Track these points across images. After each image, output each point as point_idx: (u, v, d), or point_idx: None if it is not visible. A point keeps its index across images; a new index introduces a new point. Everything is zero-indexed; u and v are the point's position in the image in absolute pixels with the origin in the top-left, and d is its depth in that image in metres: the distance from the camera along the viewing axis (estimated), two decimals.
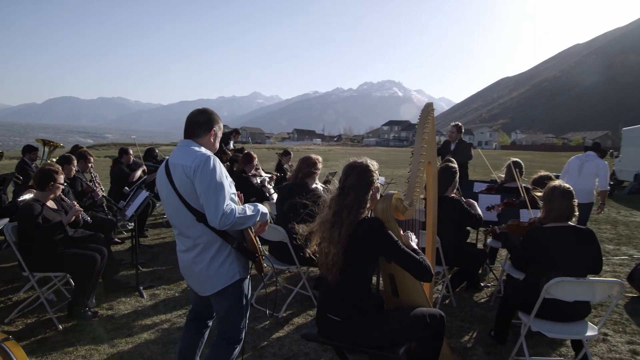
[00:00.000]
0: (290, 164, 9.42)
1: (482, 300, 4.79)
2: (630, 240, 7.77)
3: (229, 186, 2.43)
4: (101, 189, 6.31)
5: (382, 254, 2.55)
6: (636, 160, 16.36)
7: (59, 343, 3.57)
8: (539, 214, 3.75)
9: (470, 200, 4.75)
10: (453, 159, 5.10)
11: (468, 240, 5.01)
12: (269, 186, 7.11)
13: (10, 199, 6.19)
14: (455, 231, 4.48)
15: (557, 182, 3.33)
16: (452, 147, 7.61)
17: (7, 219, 3.26)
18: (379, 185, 2.64)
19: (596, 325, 3.14)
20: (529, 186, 4.81)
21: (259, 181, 6.88)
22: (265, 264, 2.66)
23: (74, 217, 4.14)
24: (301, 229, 2.72)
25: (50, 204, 4.13)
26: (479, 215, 4.50)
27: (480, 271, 5.37)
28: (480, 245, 6.01)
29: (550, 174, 4.78)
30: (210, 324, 2.92)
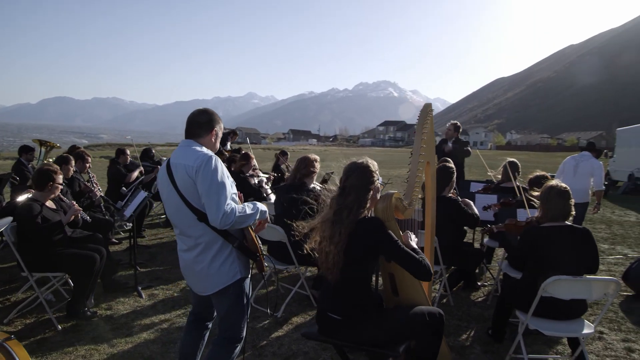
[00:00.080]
0: (287, 164, 9.43)
1: (479, 300, 4.82)
2: (624, 240, 7.84)
3: (230, 186, 2.46)
4: (99, 189, 6.31)
5: (382, 253, 2.58)
6: (630, 161, 16.49)
7: (58, 343, 3.58)
8: (536, 213, 3.78)
9: (467, 200, 4.78)
10: (449, 159, 5.14)
11: (465, 240, 5.04)
12: (266, 187, 7.12)
13: (6, 200, 6.18)
14: (452, 231, 4.52)
15: (554, 182, 3.37)
16: (449, 145, 7.60)
17: (10, 218, 3.26)
18: (379, 185, 2.67)
19: (592, 323, 3.18)
20: (526, 186, 4.85)
21: (256, 181, 6.89)
22: (266, 263, 2.68)
23: (73, 216, 4.14)
24: (301, 225, 2.74)
25: (49, 204, 4.14)
26: (476, 215, 4.54)
27: (477, 270, 5.41)
28: (477, 245, 6.04)
29: (547, 174, 4.82)
30: (210, 325, 2.94)
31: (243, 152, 7.88)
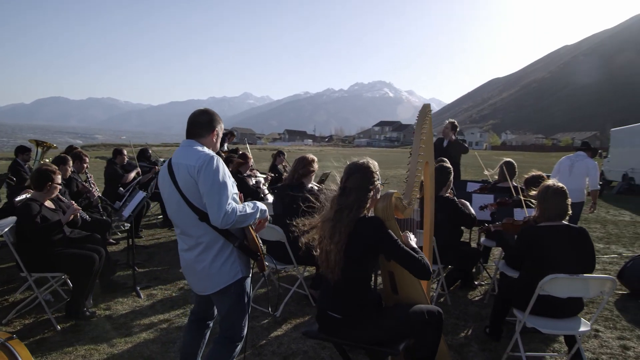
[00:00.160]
0: (284, 164, 9.44)
1: (477, 299, 4.86)
2: (619, 239, 7.91)
3: (232, 186, 2.48)
4: (96, 189, 6.30)
5: (382, 252, 2.60)
6: (624, 161, 16.60)
7: (58, 343, 3.58)
8: (533, 212, 3.82)
9: (462, 200, 4.82)
10: (446, 159, 5.17)
11: (461, 240, 5.08)
12: (263, 187, 7.13)
13: (3, 201, 6.17)
14: (449, 230, 4.55)
15: (550, 182, 3.40)
16: (445, 143, 7.60)
17: (15, 217, 3.26)
18: (380, 186, 2.69)
19: (588, 321, 3.22)
20: (522, 186, 4.89)
21: (254, 182, 6.90)
22: (266, 263, 2.70)
23: (72, 215, 4.14)
24: (302, 223, 2.76)
25: (48, 203, 4.14)
26: (473, 215, 4.57)
27: (474, 270, 5.44)
28: (473, 245, 6.08)
29: (543, 174, 4.86)
30: (211, 324, 2.96)
31: (241, 152, 7.89)
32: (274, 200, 5.08)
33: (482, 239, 5.41)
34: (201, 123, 2.58)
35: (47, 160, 6.65)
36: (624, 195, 15.00)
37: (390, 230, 2.55)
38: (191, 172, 2.40)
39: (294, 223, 2.80)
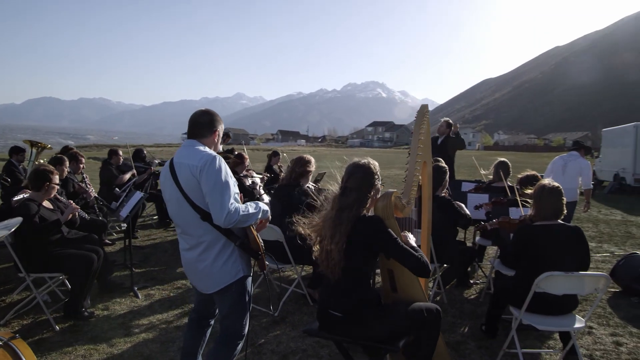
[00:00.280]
0: (279, 164, 9.46)
1: (472, 297, 4.91)
2: (611, 238, 8.00)
3: (234, 186, 2.50)
4: (92, 190, 6.29)
5: (382, 250, 2.64)
6: (616, 161, 16.76)
7: (57, 343, 3.58)
8: (528, 211, 3.87)
9: (458, 202, 4.87)
10: (441, 159, 5.21)
11: (457, 239, 5.12)
12: (259, 188, 7.15)
13: None
14: (445, 229, 4.60)
15: (546, 181, 3.45)
16: (440, 141, 7.54)
17: (20, 218, 3.25)
18: (380, 186, 2.73)
19: (583, 318, 3.27)
20: (517, 186, 4.94)
21: (250, 182, 6.92)
22: (267, 262, 2.73)
23: (71, 215, 4.15)
24: (302, 221, 2.79)
25: (46, 203, 4.14)
26: (469, 215, 4.62)
27: (469, 269, 5.50)
28: (468, 244, 6.13)
29: (537, 174, 4.91)
30: (212, 322, 2.97)
31: (237, 152, 7.89)
32: (271, 200, 5.10)
33: (478, 238, 5.46)
34: (202, 123, 2.61)
35: (42, 161, 6.63)
36: (616, 195, 15.17)
37: (390, 229, 2.59)
38: (193, 172, 2.42)
39: (295, 220, 2.83)
